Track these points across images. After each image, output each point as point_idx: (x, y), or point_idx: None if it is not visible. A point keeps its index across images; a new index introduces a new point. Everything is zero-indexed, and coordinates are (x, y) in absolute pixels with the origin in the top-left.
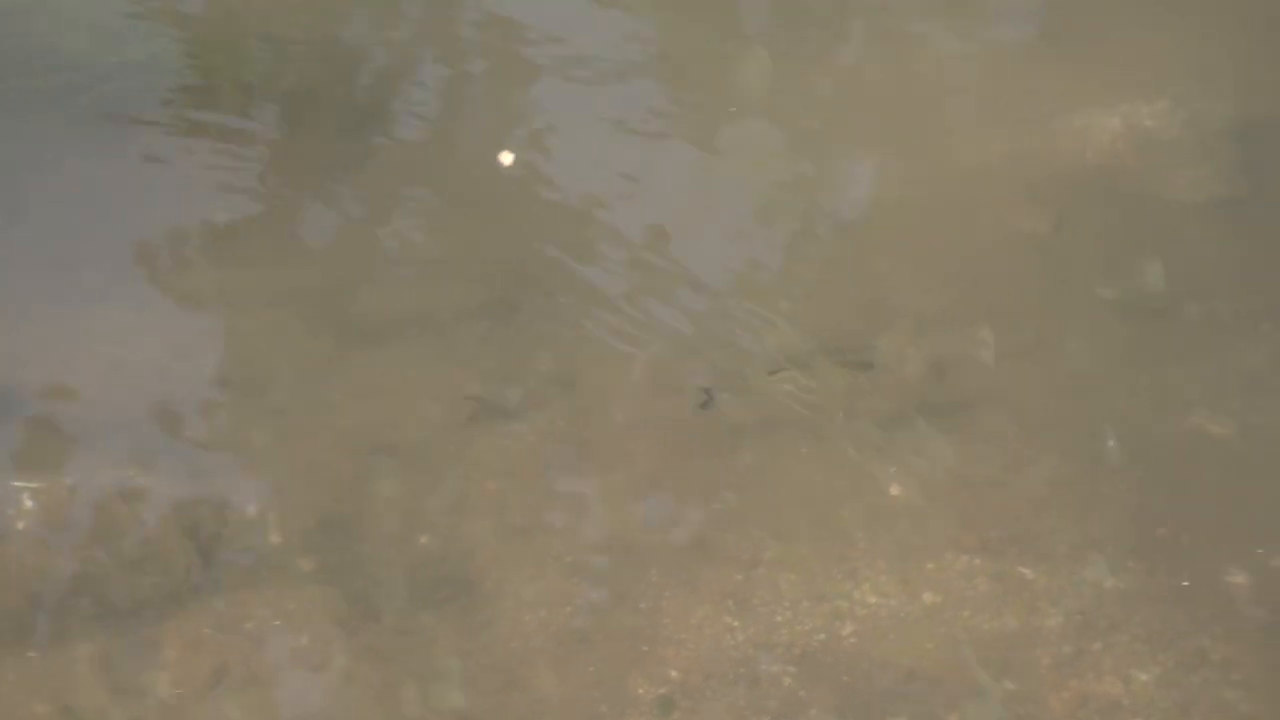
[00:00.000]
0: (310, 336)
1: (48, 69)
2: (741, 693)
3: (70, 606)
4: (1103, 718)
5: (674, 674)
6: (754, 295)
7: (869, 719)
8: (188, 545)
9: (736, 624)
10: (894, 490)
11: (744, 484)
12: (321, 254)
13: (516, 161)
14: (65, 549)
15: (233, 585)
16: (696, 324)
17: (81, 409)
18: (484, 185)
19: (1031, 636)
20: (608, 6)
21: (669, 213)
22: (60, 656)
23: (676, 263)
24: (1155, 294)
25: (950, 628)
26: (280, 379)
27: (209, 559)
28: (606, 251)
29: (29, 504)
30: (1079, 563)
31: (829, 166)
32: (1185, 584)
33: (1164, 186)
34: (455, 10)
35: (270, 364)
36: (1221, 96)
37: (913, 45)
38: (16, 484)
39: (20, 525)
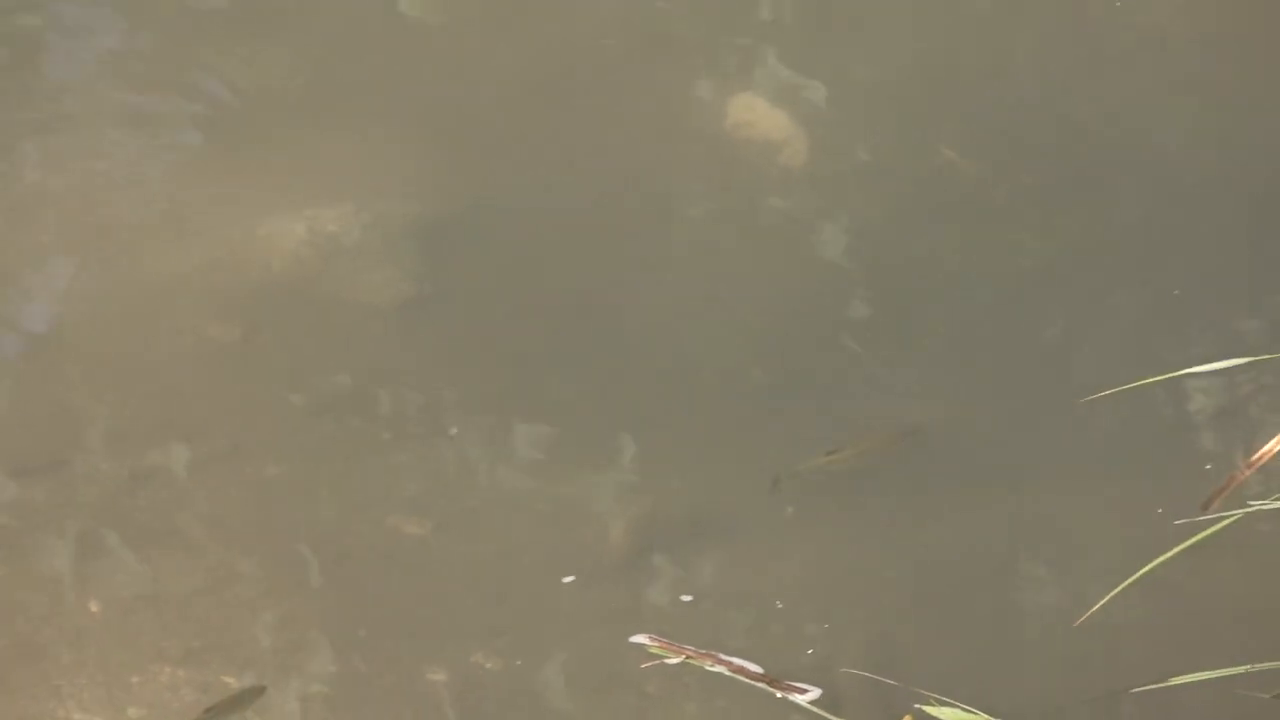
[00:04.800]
0: None
1: None
2: None
3: None
4: None
5: None
6: None
7: None
8: None
9: None
10: (94, 607)
11: None
12: None
13: None
14: None
15: None
16: None
17: None
18: None
19: None
20: None
21: None
22: None
23: None
24: (345, 397)
25: None
26: None
27: None
28: None
29: None
30: (281, 669)
31: (12, 279)
32: (389, 685)
33: (350, 290)
34: None
35: None
36: (404, 198)
37: (95, 156)
38: None
39: None
